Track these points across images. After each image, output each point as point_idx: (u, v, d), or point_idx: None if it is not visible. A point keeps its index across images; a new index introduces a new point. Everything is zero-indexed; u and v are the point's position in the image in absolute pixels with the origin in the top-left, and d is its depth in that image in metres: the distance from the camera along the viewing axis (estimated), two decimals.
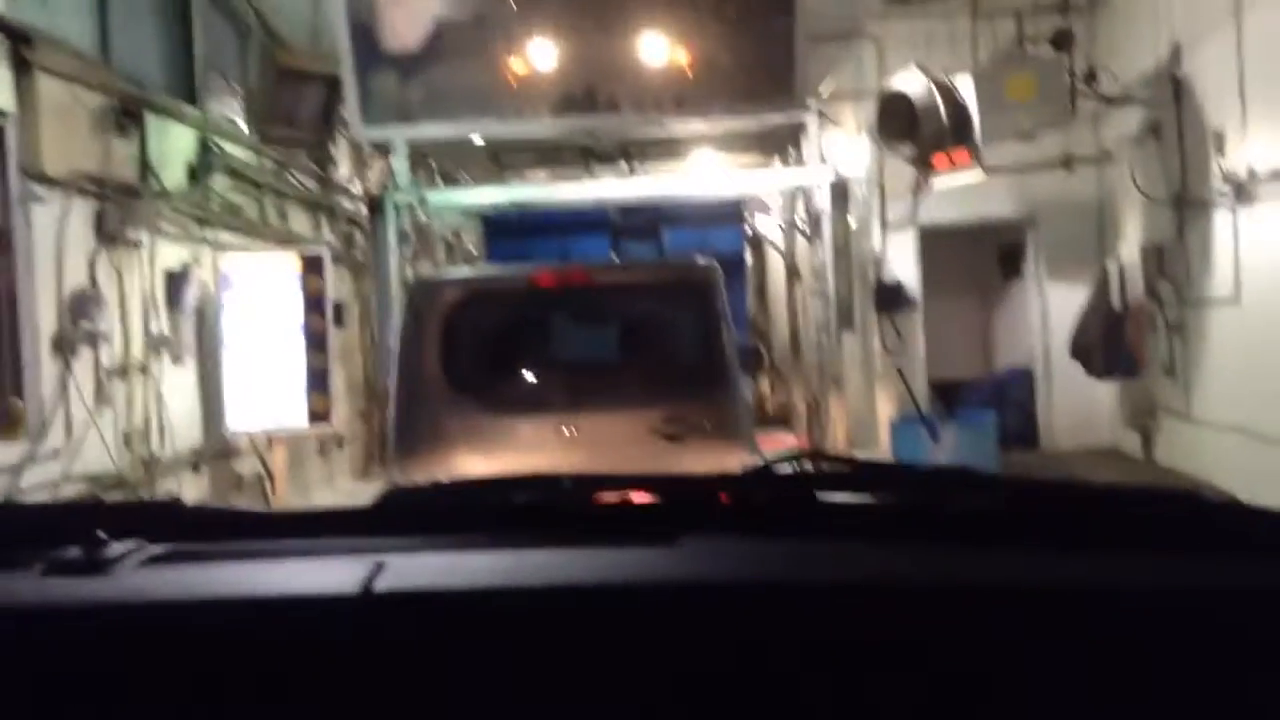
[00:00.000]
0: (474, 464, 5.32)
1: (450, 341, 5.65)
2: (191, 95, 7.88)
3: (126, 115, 6.56)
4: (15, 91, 5.63)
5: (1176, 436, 8.79)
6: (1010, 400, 10.72)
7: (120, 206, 6.41)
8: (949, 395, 10.60)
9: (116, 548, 1.15)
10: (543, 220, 10.45)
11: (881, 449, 9.34)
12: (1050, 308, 10.31)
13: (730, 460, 5.10)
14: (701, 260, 6.08)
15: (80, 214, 6.12)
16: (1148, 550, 1.11)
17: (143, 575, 1.12)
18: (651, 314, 6.23)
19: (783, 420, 13.13)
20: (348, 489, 9.88)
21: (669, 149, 11.02)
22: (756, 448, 5.90)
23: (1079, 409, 10.20)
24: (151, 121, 6.86)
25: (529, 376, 6.00)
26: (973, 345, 12.02)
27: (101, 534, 1.16)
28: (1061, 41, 8.30)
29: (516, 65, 7.51)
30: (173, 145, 7.18)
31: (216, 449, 7.73)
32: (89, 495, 5.84)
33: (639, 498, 1.32)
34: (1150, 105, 8.54)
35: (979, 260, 11.88)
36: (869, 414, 10.15)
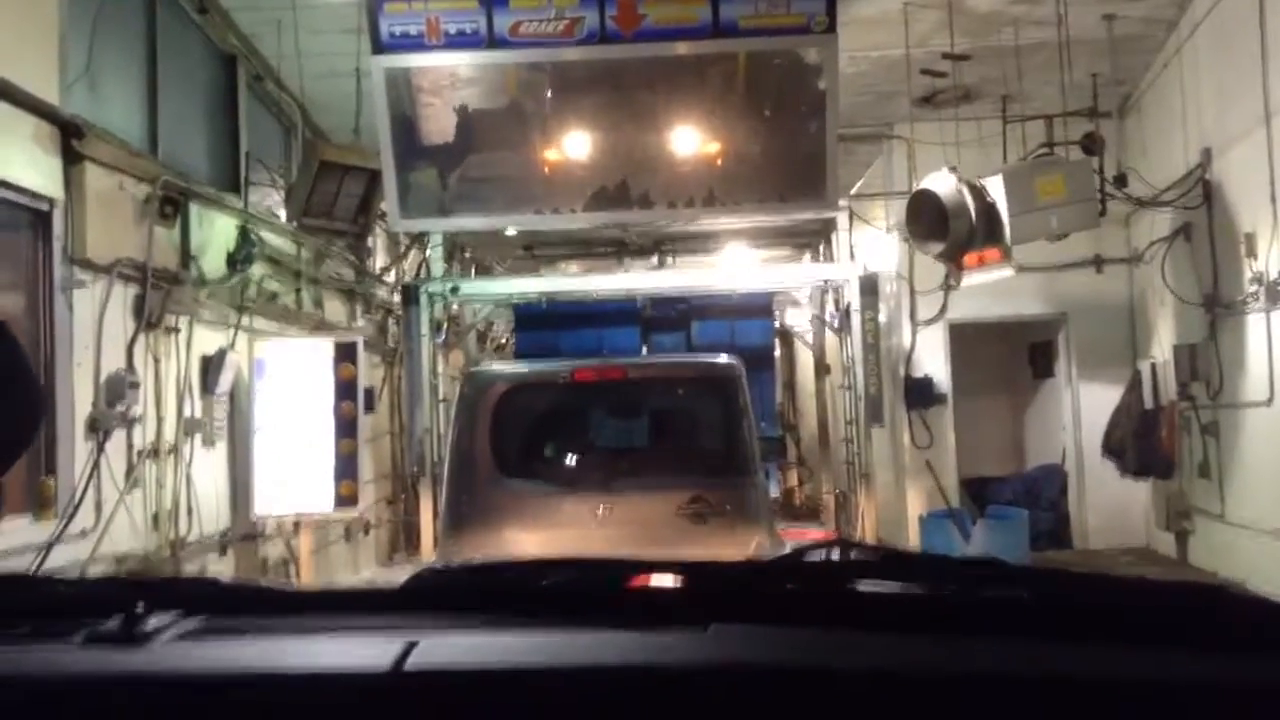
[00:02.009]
0: (517, 538, 5.78)
1: (499, 428, 6.16)
2: (235, 186, 8.08)
3: (170, 204, 6.73)
4: (64, 180, 5.80)
5: (1211, 538, 8.65)
6: (1041, 498, 10.61)
7: (160, 292, 6.53)
8: (979, 492, 10.51)
9: (154, 621, 1.17)
10: (573, 311, 10.54)
11: (910, 544, 9.24)
12: (1082, 406, 10.26)
13: (749, 540, 5.72)
14: (725, 358, 6.59)
15: (121, 299, 6.25)
16: (1175, 644, 1.10)
17: (179, 648, 1.13)
18: (680, 406, 6.80)
19: (811, 514, 13.03)
20: (371, 575, 9.85)
21: (700, 243, 11.15)
22: (774, 530, 6.34)
23: (1112, 508, 10.08)
24: (194, 210, 7.03)
25: (568, 460, 6.51)
26: (1003, 442, 11.94)
27: (140, 607, 1.18)
28: (1091, 145, 8.39)
29: (551, 160, 7.66)
30: (214, 233, 7.34)
31: (243, 532, 7.75)
32: (127, 572, 5.87)
33: (669, 583, 1.32)
34: (1181, 207, 8.59)
35: (1010, 357, 11.86)
36: (898, 509, 10.07)
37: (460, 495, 6.15)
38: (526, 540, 5.80)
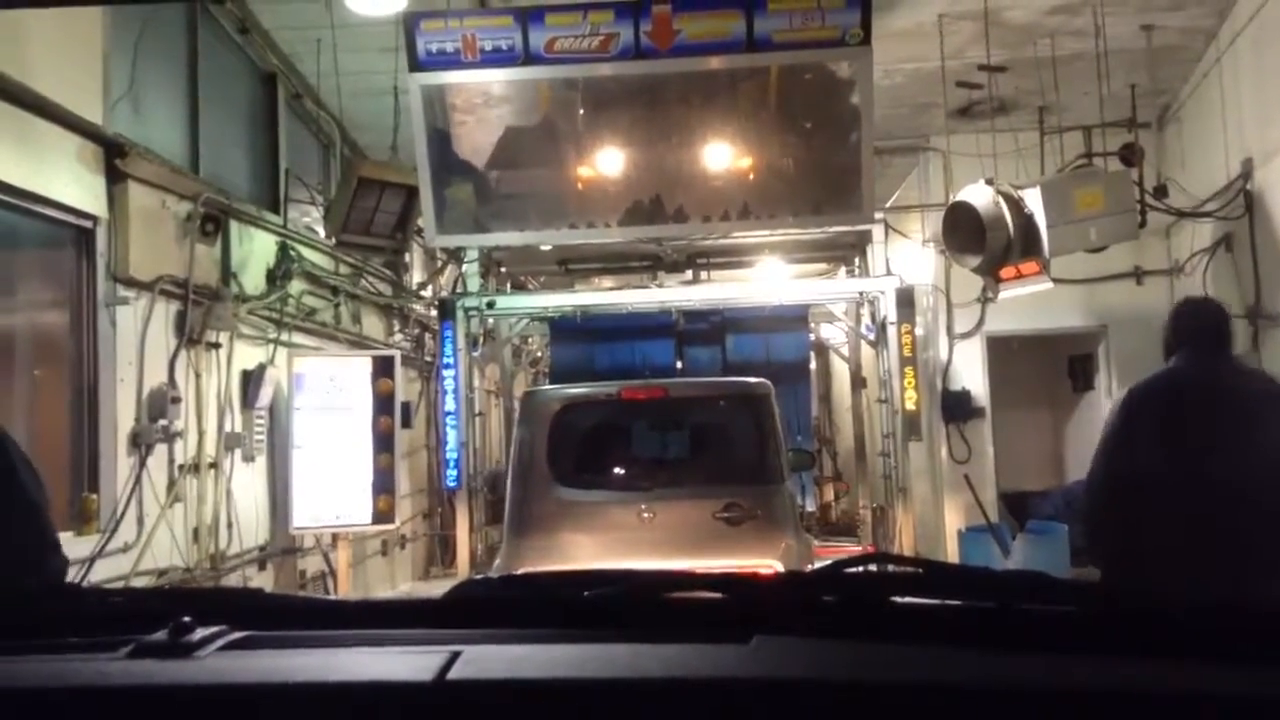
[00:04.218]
0: (571, 539, 6.52)
1: (555, 441, 6.83)
2: (275, 203, 8.17)
3: (211, 221, 6.81)
4: (107, 198, 5.89)
5: None
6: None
7: (201, 308, 6.61)
8: (1018, 507, 10.40)
9: (201, 632, 1.18)
10: (608, 325, 10.56)
11: (949, 559, 9.15)
12: None
13: (778, 542, 6.47)
14: (756, 380, 7.27)
15: (162, 315, 6.34)
16: (1222, 658, 1.09)
17: (225, 659, 1.14)
18: (715, 422, 7.48)
19: (848, 529, 12.94)
20: (409, 589, 9.88)
21: (735, 256, 11.13)
22: (800, 532, 6.99)
23: None
24: (234, 227, 7.11)
25: (616, 470, 7.27)
26: (1043, 456, 11.81)
27: (187, 619, 1.19)
28: (1130, 156, 8.31)
29: (586, 176, 7.69)
30: (254, 250, 7.42)
31: (283, 546, 7.81)
32: (170, 586, 5.93)
33: (711, 595, 1.32)
34: (1222, 219, 8.49)
35: (1049, 370, 11.74)
36: (936, 524, 9.99)
37: (521, 501, 6.77)
38: (579, 541, 6.51)
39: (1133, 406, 4.02)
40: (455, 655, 1.10)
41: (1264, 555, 3.56)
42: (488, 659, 1.11)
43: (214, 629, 1.20)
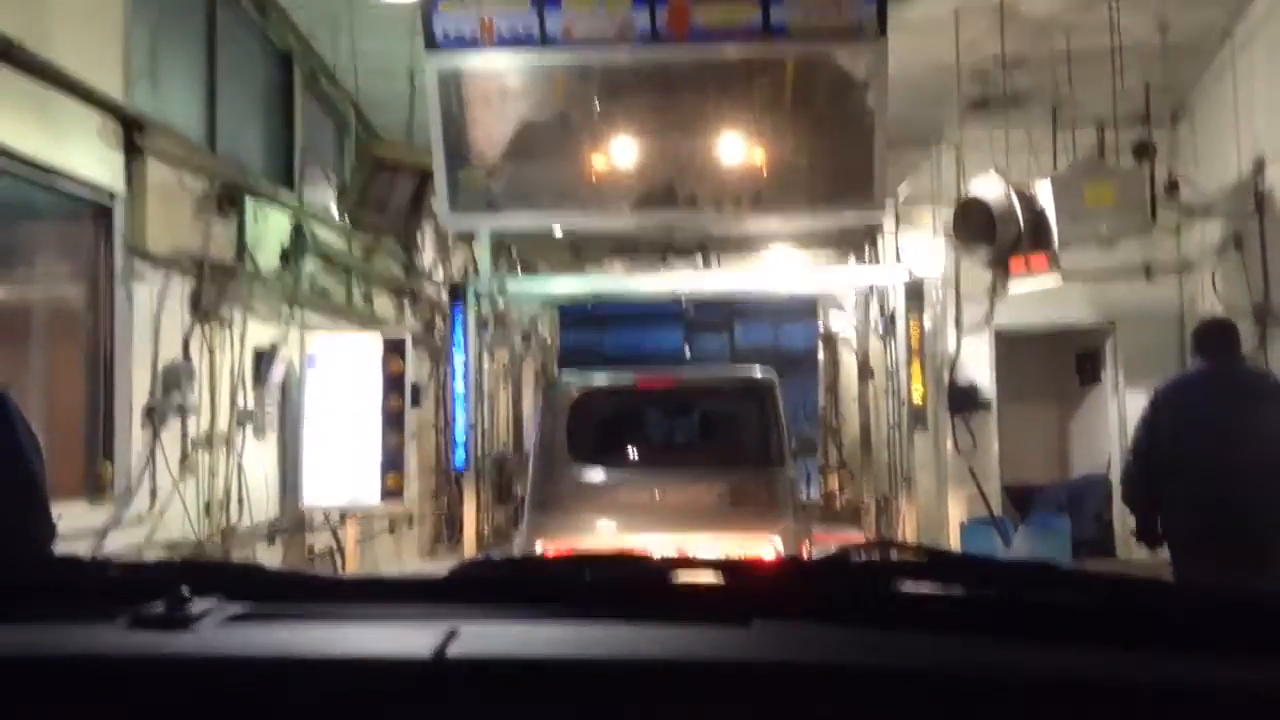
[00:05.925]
0: (588, 516, 6.94)
1: (574, 426, 7.31)
2: (290, 182, 8.20)
3: (227, 199, 6.85)
4: (125, 174, 5.93)
5: None
6: (1085, 508, 10.48)
7: (216, 285, 6.66)
8: (1022, 500, 10.41)
9: (199, 605, 1.18)
10: (617, 311, 10.60)
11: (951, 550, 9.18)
12: (1128, 415, 10.10)
13: (777, 522, 6.81)
14: (761, 369, 7.71)
15: (178, 291, 6.38)
16: (1226, 650, 1.09)
17: (223, 632, 1.15)
18: (723, 410, 7.83)
19: (851, 518, 12.96)
20: (415, 568, 9.94)
21: (745, 244, 11.13)
22: (799, 514, 7.44)
23: None
24: (250, 205, 7.15)
25: (630, 453, 7.72)
26: (1048, 450, 11.82)
27: (186, 591, 1.19)
28: (1142, 152, 8.28)
29: (599, 161, 7.70)
30: (269, 228, 7.46)
31: (292, 522, 7.87)
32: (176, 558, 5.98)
33: (712, 579, 1.33)
34: (1233, 216, 8.48)
35: (1056, 365, 11.74)
36: (939, 515, 10.01)
37: (542, 480, 7.23)
38: (595, 517, 6.93)
39: (1159, 397, 5.32)
40: (454, 632, 1.10)
41: (1258, 516, 4.82)
42: (486, 637, 1.12)
43: (212, 602, 1.20)
